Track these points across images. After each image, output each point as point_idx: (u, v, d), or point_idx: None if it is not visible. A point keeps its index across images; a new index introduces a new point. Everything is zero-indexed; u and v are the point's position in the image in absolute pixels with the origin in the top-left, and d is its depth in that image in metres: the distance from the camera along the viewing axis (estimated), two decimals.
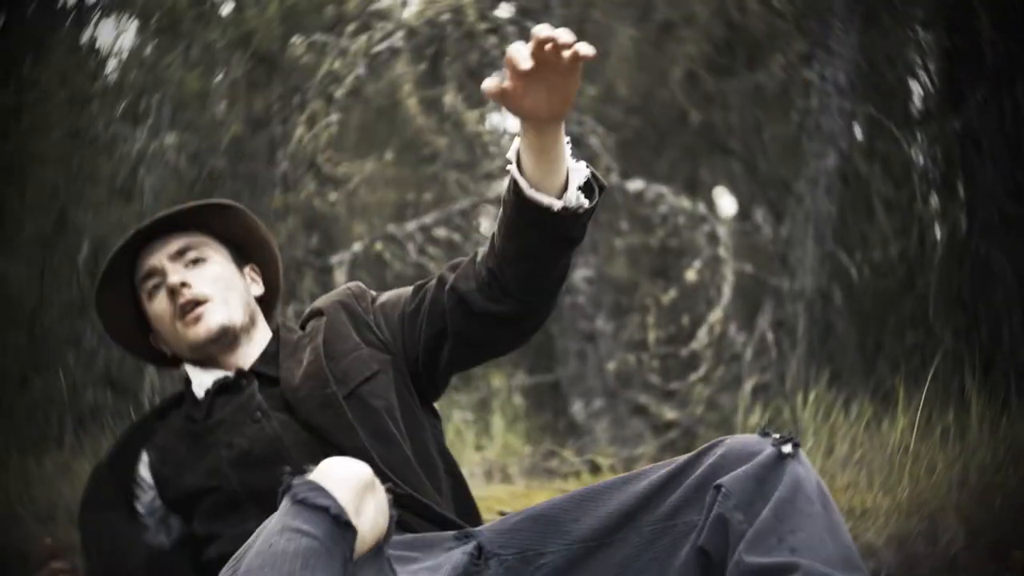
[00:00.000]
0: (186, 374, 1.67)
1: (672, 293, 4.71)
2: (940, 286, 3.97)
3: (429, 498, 1.47)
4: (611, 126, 4.85)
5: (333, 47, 4.47)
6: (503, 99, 1.24)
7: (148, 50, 4.86)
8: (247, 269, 1.72)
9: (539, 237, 1.35)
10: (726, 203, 6.22)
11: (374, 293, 1.66)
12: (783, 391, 4.45)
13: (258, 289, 1.72)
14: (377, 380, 1.53)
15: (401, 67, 4.44)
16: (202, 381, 1.63)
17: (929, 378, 2.83)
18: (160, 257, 1.61)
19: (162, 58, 4.75)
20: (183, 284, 1.58)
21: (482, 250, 1.47)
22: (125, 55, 4.92)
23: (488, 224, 5.30)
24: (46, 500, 3.61)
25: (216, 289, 1.60)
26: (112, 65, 5.01)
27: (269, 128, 4.89)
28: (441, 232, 4.58)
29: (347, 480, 1.16)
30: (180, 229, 1.63)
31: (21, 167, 4.83)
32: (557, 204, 1.31)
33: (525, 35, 4.72)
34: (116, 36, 5.00)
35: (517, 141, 1.33)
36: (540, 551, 1.30)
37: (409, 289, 1.61)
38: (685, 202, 4.53)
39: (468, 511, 1.57)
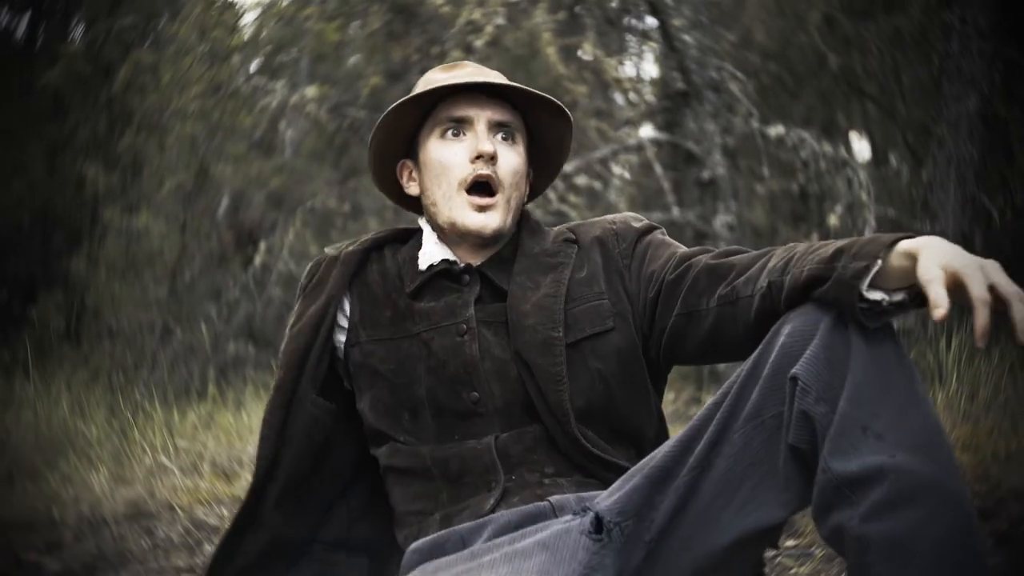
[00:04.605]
0: (421, 233, 1.55)
1: (814, 239, 4.62)
2: None
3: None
4: (749, 72, 4.75)
5: None
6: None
7: (285, 2, 4.89)
8: (530, 169, 1.58)
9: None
10: (861, 147, 6.17)
11: (641, 226, 1.52)
12: (926, 336, 4.44)
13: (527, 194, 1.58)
14: (607, 339, 1.42)
15: (540, 16, 4.40)
16: (431, 254, 1.50)
17: None
18: (482, 114, 1.47)
19: (300, 11, 4.76)
20: (493, 157, 1.45)
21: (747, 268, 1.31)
22: (263, 9, 4.95)
23: (626, 173, 5.28)
24: (190, 451, 3.68)
25: (511, 183, 1.48)
26: (250, 18, 5.04)
27: (407, 78, 4.89)
28: (581, 180, 4.54)
29: None
30: (506, 102, 1.51)
31: (161, 122, 4.88)
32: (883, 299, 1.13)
33: None
34: None
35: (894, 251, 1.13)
36: (653, 505, 1.23)
37: (677, 250, 1.46)
38: (827, 147, 4.46)
39: None
